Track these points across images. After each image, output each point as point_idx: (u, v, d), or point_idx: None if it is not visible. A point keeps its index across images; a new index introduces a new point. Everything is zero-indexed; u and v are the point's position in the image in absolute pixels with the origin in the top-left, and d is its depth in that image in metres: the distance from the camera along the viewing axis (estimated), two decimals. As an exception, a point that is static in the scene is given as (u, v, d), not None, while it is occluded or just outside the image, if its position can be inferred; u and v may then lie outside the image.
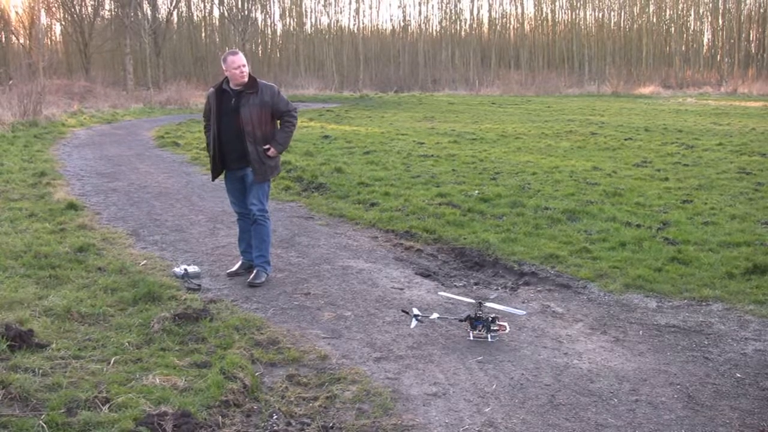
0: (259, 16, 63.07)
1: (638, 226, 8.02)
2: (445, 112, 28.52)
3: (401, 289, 6.14)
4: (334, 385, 4.19)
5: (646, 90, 47.24)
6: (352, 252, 7.38)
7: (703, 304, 5.65)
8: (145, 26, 44.37)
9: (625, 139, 17.29)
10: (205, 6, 64.33)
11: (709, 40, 65.94)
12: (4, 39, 44.29)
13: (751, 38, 62.35)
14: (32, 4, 42.48)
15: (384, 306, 5.68)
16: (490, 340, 4.90)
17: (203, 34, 64.93)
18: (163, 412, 3.66)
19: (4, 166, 12.47)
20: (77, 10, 45.23)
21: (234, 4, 56.04)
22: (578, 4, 66.80)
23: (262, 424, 3.74)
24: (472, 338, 4.93)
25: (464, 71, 61.04)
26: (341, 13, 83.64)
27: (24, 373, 4.13)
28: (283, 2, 68.04)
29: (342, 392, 4.11)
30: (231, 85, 6.19)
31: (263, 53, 67.16)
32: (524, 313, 5.34)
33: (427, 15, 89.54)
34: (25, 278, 6.12)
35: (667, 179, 11.33)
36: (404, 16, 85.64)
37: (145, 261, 6.85)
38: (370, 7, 79.46)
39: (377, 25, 76.65)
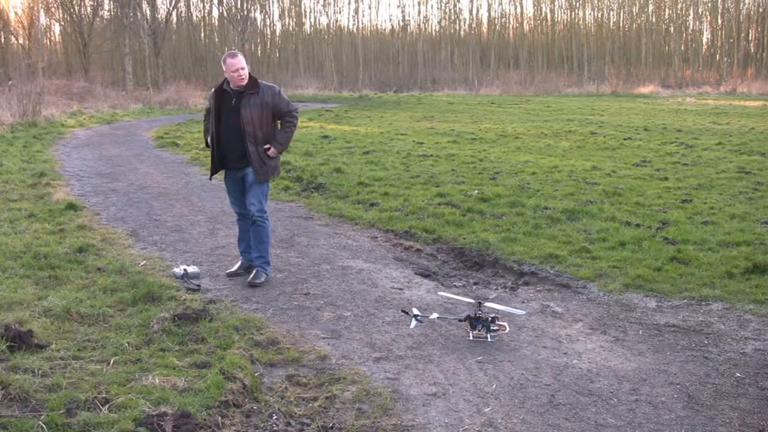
0: (258, 16, 63.09)
1: (638, 225, 8.02)
2: (445, 112, 28.52)
3: (401, 289, 6.14)
4: (334, 386, 4.19)
5: (646, 89, 47.27)
6: (351, 252, 7.38)
7: (703, 303, 5.65)
8: (144, 26, 44.34)
9: (625, 139, 17.29)
10: (204, 6, 64.36)
11: (708, 39, 66.02)
12: (3, 39, 44.27)
13: (750, 38, 62.40)
14: (31, 5, 42.51)
15: (383, 306, 5.67)
16: (489, 340, 4.90)
17: (202, 35, 64.94)
18: (162, 412, 3.66)
19: (3, 167, 12.46)
20: (76, 11, 45.19)
21: (233, 4, 56.01)
22: (577, 4, 66.83)
23: (262, 425, 3.74)
24: (471, 338, 4.93)
25: (463, 71, 61.05)
26: (340, 13, 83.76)
27: (23, 374, 4.13)
28: (282, 2, 68.08)
29: (342, 392, 4.11)
30: (231, 85, 6.19)
31: (262, 53, 67.16)
32: (524, 312, 5.34)
33: (426, 15, 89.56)
34: (25, 279, 6.12)
35: (666, 179, 11.33)
36: (403, 16, 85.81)
37: (144, 261, 6.85)
38: (369, 7, 79.55)
39: (376, 25, 76.74)
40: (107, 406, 3.78)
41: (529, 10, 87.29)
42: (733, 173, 11.78)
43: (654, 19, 65.83)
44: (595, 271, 6.46)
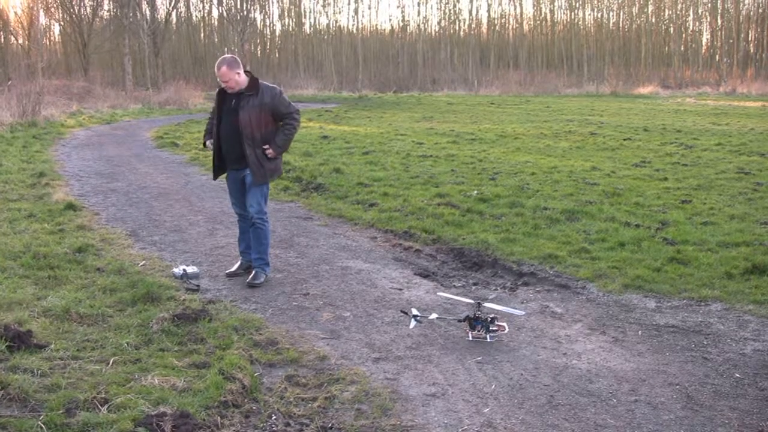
0: (258, 17, 63.07)
1: (637, 226, 8.02)
2: (444, 112, 28.52)
3: (400, 289, 6.14)
4: (333, 386, 4.19)
5: (645, 90, 47.28)
6: (351, 252, 7.38)
7: (702, 304, 5.65)
8: (143, 26, 44.35)
9: (624, 139, 17.29)
10: (203, 6, 64.38)
11: (707, 40, 66.06)
12: (2, 39, 44.26)
13: (750, 38, 62.43)
14: (31, 5, 42.51)
15: (383, 306, 5.67)
16: (489, 340, 4.90)
17: (202, 35, 64.95)
18: (162, 412, 3.66)
19: (2, 167, 12.46)
20: (76, 11, 45.19)
21: (233, 4, 56.01)
22: (577, 4, 66.86)
23: (261, 425, 3.74)
24: (471, 339, 4.93)
25: (463, 71, 61.05)
26: (340, 13, 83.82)
27: (23, 374, 4.13)
28: (282, 2, 68.08)
29: (341, 393, 4.11)
30: None
31: (262, 53, 67.16)
32: (523, 313, 5.34)
33: (425, 15, 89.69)
34: (24, 279, 6.11)
35: (666, 179, 11.33)
36: (403, 17, 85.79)
37: (144, 261, 6.85)
38: (369, 8, 79.51)
39: (376, 25, 76.83)
40: (106, 406, 3.79)
41: (528, 10, 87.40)
42: (733, 174, 11.79)
43: (654, 20, 65.87)
44: (595, 271, 6.46)
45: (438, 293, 5.95)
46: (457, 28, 70.12)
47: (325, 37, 67.40)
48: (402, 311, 5.38)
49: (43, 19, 46.87)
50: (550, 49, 66.65)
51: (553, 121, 23.51)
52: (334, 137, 17.93)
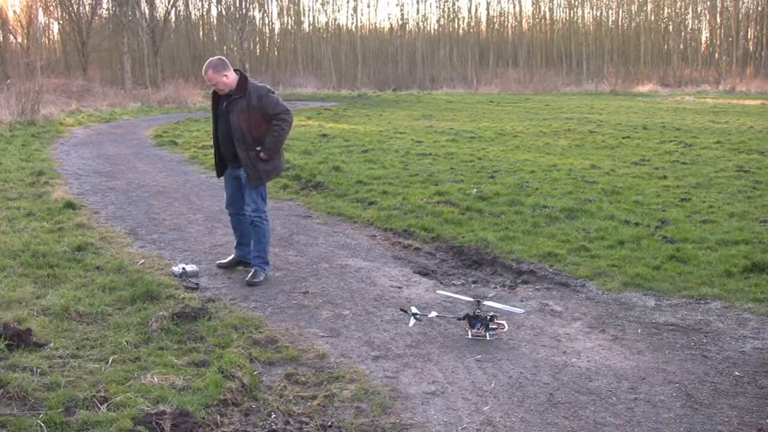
0: (257, 15, 63.06)
1: (636, 224, 8.02)
2: (444, 111, 28.51)
3: (399, 287, 6.14)
4: (333, 384, 4.19)
5: (644, 88, 47.27)
6: (350, 250, 7.37)
7: (702, 302, 5.65)
8: (143, 25, 44.31)
9: (624, 138, 17.29)
10: (202, 5, 64.31)
11: (707, 38, 66.05)
12: (1, 38, 44.22)
13: (749, 36, 62.41)
14: (30, 3, 42.42)
15: (382, 304, 5.67)
16: (488, 338, 4.90)
17: (201, 33, 64.91)
18: (161, 411, 3.66)
19: (2, 165, 12.45)
20: (75, 9, 45.14)
21: (232, 2, 55.99)
22: (576, 3, 66.85)
23: (261, 423, 3.74)
24: (470, 337, 4.93)
25: (462, 69, 61.03)
26: (339, 11, 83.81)
27: (22, 373, 4.13)
28: (281, 1, 68.03)
29: (340, 391, 4.10)
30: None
31: (261, 52, 67.14)
32: (522, 311, 5.34)
33: (425, 13, 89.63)
34: (23, 277, 6.11)
35: (665, 177, 11.33)
36: (402, 15, 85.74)
37: (143, 260, 6.85)
38: (368, 6, 79.53)
39: (375, 23, 76.78)
40: (106, 404, 3.78)
41: (527, 8, 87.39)
42: (732, 172, 11.79)
43: (653, 18, 65.86)
44: (594, 269, 6.46)
45: (437, 291, 5.95)
46: (456, 26, 70.15)
47: (324, 35, 67.39)
48: (401, 309, 5.38)
49: (42, 18, 46.81)
50: (549, 47, 66.63)
51: (553, 119, 23.51)
52: (333, 136, 17.93)
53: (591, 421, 3.78)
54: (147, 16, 45.73)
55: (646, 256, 6.79)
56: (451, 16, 69.97)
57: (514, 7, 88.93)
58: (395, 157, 13.74)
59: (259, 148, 6.12)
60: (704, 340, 4.90)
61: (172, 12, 53.57)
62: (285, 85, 50.65)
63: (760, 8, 61.42)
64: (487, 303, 5.12)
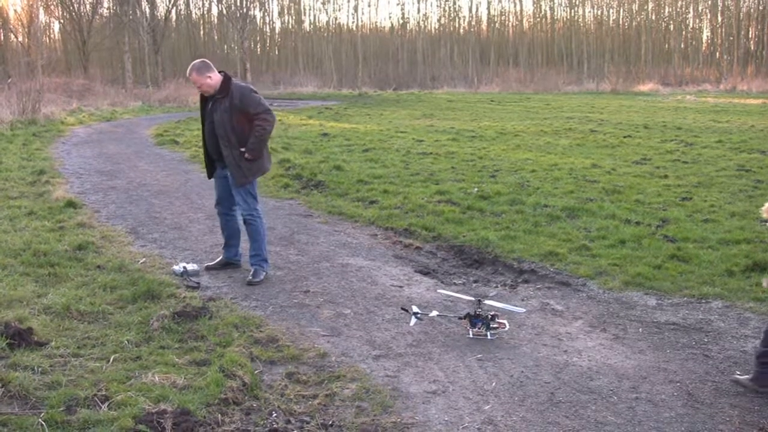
0: (258, 14, 63.08)
1: (637, 223, 8.01)
2: (444, 110, 28.51)
3: (400, 286, 6.14)
4: (334, 383, 4.19)
5: (645, 87, 47.27)
6: (351, 250, 7.37)
7: (703, 301, 5.65)
8: (143, 24, 44.34)
9: (625, 137, 17.28)
10: (203, 4, 64.37)
11: (708, 37, 66.05)
12: (2, 37, 44.27)
13: (750, 35, 62.39)
14: (31, 2, 42.46)
15: (383, 304, 5.67)
16: (489, 337, 4.89)
17: (202, 32, 64.97)
18: (162, 410, 3.66)
19: (2, 165, 12.46)
20: (76, 8, 45.16)
21: (232, 1, 56.02)
22: (577, 2, 66.89)
23: (262, 422, 3.74)
24: (471, 336, 4.93)
25: (463, 69, 61.01)
26: (340, 10, 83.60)
27: (23, 372, 4.13)
28: (282, 0, 68.02)
29: (341, 390, 4.10)
30: None
31: (262, 51, 67.18)
32: (523, 310, 5.34)
33: (425, 12, 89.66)
34: (24, 276, 6.11)
35: (666, 177, 11.32)
36: (403, 14, 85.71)
37: (144, 259, 6.85)
38: (369, 5, 79.37)
39: (376, 22, 76.78)
40: (107, 403, 3.78)
41: (528, 7, 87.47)
42: (733, 171, 11.78)
43: (654, 17, 65.85)
44: (595, 268, 6.45)
45: (438, 290, 5.95)
46: (456, 25, 70.20)
47: (325, 34, 67.42)
48: (402, 308, 5.38)
49: (42, 17, 46.91)
50: (550, 46, 66.64)
51: (554, 118, 23.50)
52: (334, 135, 17.92)
53: (592, 421, 3.77)
54: (148, 15, 45.74)
55: (647, 255, 6.79)
56: (452, 15, 70.08)
57: (514, 6, 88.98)
58: (396, 157, 13.74)
59: (243, 149, 6.14)
60: (705, 340, 4.90)
61: (173, 11, 53.65)
62: (286, 85, 50.70)
63: (761, 7, 61.42)
64: (488, 302, 5.12)
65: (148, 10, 46.09)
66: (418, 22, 69.46)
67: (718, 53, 62.22)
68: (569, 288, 6.06)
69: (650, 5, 65.35)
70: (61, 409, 3.71)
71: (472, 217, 8.46)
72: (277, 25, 69.65)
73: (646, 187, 10.36)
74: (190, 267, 6.37)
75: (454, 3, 70.41)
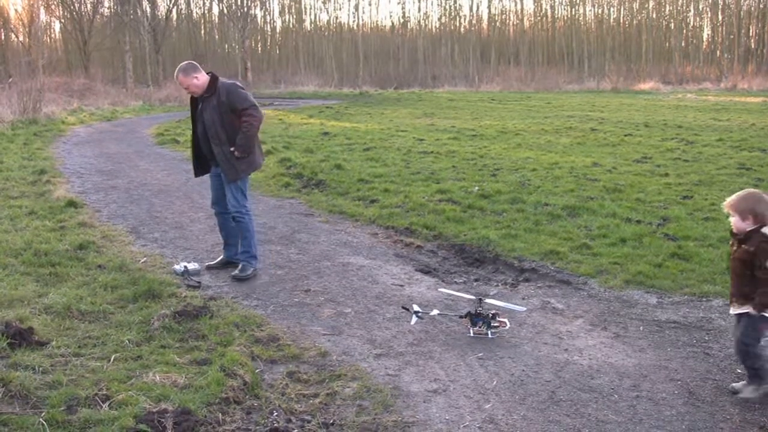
0: (258, 13, 63.12)
1: (638, 222, 8.01)
2: (445, 109, 28.50)
3: (401, 285, 6.14)
4: (335, 382, 4.19)
5: (646, 86, 47.25)
6: (352, 249, 7.37)
7: (704, 299, 5.64)
8: (144, 24, 44.37)
9: (625, 135, 17.27)
10: (204, 3, 64.39)
11: (708, 35, 65.99)
12: (3, 37, 44.26)
13: (750, 34, 62.33)
14: (31, 2, 42.47)
15: (384, 302, 5.67)
16: (490, 336, 4.89)
17: (203, 32, 65.00)
18: (163, 409, 3.66)
19: (3, 164, 12.47)
20: (76, 8, 45.21)
21: (233, 1, 56.02)
22: (578, 0, 66.81)
23: (263, 421, 3.74)
24: (472, 335, 4.93)
25: (464, 68, 61.00)
26: (340, 9, 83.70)
27: (24, 371, 4.13)
28: (282, -1, 68.03)
29: (342, 389, 4.10)
30: None
31: (263, 50, 67.17)
32: (524, 309, 5.34)
33: (426, 11, 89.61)
34: (25, 276, 6.12)
35: (667, 175, 11.32)
36: (403, 13, 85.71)
37: (145, 258, 6.85)
38: (370, 4, 79.46)
39: (376, 21, 76.76)
40: (108, 403, 3.79)
41: (529, 6, 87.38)
42: (734, 169, 11.77)
43: (654, 16, 65.81)
44: (596, 267, 6.45)
45: (439, 289, 5.95)
46: (457, 24, 70.17)
47: (326, 33, 67.43)
48: (403, 307, 5.38)
49: (43, 17, 46.91)
50: (550, 45, 66.61)
51: (554, 117, 23.49)
52: (334, 134, 17.93)
53: (593, 419, 3.77)
54: (148, 14, 45.77)
55: (647, 253, 6.78)
56: (453, 14, 70.07)
57: (515, 5, 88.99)
58: (397, 156, 13.74)
59: (233, 149, 6.17)
60: (706, 338, 4.89)
61: (174, 10, 53.67)
62: (287, 84, 50.70)
63: (761, 5, 61.37)
64: (488, 301, 5.12)
65: (149, 10, 46.14)
66: (419, 21, 69.56)
67: (718, 51, 62.18)
68: (570, 286, 6.06)
69: (651, 4, 65.36)
70: (62, 408, 3.71)
71: (472, 216, 8.46)
72: (278, 24, 69.74)
73: (646, 185, 10.36)
74: (191, 266, 6.38)
75: (455, 2, 70.56)
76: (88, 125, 21.91)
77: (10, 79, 26.83)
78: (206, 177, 6.67)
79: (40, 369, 4.20)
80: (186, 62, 6.30)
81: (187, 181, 11.39)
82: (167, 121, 23.28)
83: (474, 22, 69.66)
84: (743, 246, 3.97)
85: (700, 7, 66.30)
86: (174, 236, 7.85)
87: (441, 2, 70.93)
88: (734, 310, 4.08)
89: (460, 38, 67.50)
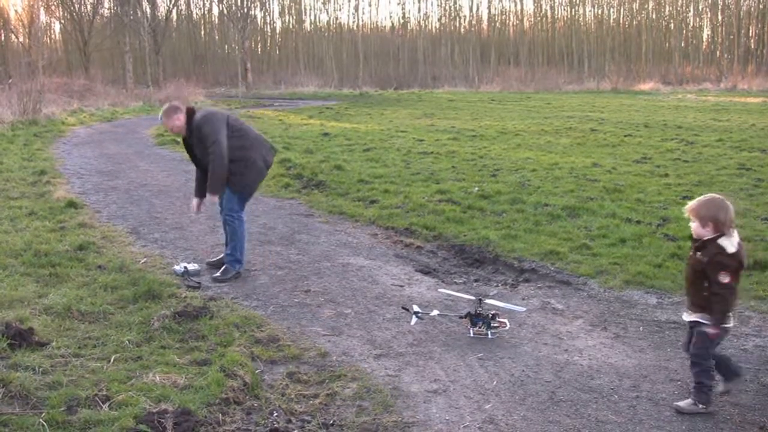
0: (258, 14, 63.13)
1: (638, 222, 8.01)
2: (445, 109, 28.50)
3: (401, 286, 6.14)
4: (335, 383, 4.19)
5: (646, 86, 47.28)
6: (352, 249, 7.37)
7: (704, 300, 5.64)
8: (144, 24, 44.36)
9: (625, 136, 17.28)
10: (204, 4, 64.42)
11: (708, 36, 66.02)
12: (3, 37, 44.27)
13: (750, 34, 62.35)
14: (31, 3, 42.47)
15: (384, 303, 5.67)
16: (490, 336, 4.90)
17: (203, 32, 65.01)
18: (163, 409, 3.66)
19: (3, 165, 12.47)
20: (76, 9, 45.24)
21: (233, 2, 56.05)
22: (577, 1, 66.85)
23: (263, 422, 3.74)
24: (472, 335, 4.93)
25: (464, 68, 61.02)
26: (340, 10, 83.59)
27: (24, 372, 4.13)
28: (282, 0, 68.04)
29: (342, 389, 4.11)
30: None
31: (263, 51, 67.19)
32: (524, 309, 5.34)
33: (426, 12, 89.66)
34: (25, 276, 6.12)
35: (666, 175, 11.32)
36: (403, 14, 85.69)
37: (145, 259, 6.85)
38: (369, 5, 79.29)
39: (376, 22, 76.78)
40: (108, 403, 3.79)
41: (529, 6, 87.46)
42: (734, 170, 11.77)
43: (654, 16, 65.84)
44: (596, 267, 6.45)
45: (439, 290, 5.95)
46: (457, 24, 70.20)
47: (326, 34, 67.44)
48: (403, 308, 5.38)
49: (43, 17, 46.93)
50: (550, 45, 66.64)
51: (554, 117, 23.49)
52: (334, 134, 17.93)
53: (593, 419, 3.78)
54: (148, 15, 45.77)
55: (647, 254, 6.79)
56: (453, 14, 70.10)
57: (515, 5, 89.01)
58: (397, 156, 13.74)
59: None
60: (706, 338, 4.89)
61: (174, 11, 53.73)
62: (287, 84, 50.73)
63: (761, 6, 61.39)
64: (488, 301, 5.12)
65: (148, 10, 46.14)
66: (419, 22, 69.57)
67: (718, 52, 62.20)
68: (570, 287, 6.06)
69: (651, 4, 65.37)
70: (62, 409, 3.71)
71: (472, 217, 8.46)
72: (278, 24, 69.77)
73: (646, 185, 10.36)
74: (191, 267, 6.38)
75: (455, 2, 70.49)
76: (88, 126, 21.92)
77: (10, 80, 26.84)
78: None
79: (40, 369, 4.20)
80: (168, 104, 6.45)
81: (186, 182, 11.38)
82: (167, 121, 23.24)
83: (474, 22, 69.75)
84: (698, 254, 3.86)
85: (700, 7, 66.39)
86: (174, 237, 7.85)
87: (441, 3, 70.98)
88: (688, 317, 3.99)
89: (460, 39, 67.53)
